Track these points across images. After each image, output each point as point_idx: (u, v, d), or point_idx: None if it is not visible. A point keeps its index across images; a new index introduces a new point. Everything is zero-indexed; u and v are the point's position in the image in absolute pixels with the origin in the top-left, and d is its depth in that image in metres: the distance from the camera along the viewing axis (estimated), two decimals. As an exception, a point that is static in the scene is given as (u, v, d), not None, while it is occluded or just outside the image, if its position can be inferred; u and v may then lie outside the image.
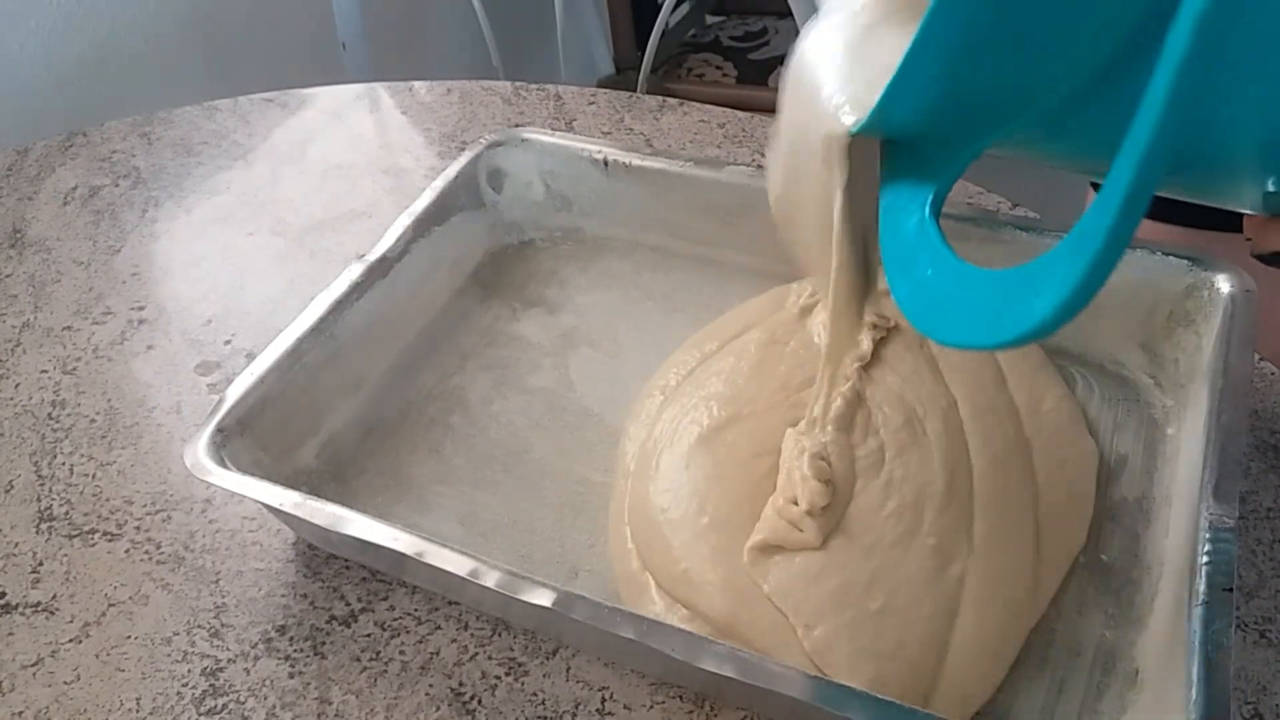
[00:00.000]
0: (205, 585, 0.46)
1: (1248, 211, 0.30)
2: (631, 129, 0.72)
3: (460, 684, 0.41)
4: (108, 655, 0.43)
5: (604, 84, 1.45)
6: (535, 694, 0.41)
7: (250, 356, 0.56)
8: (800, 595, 0.40)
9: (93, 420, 0.54)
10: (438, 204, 0.56)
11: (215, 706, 0.41)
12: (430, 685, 0.41)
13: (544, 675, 0.41)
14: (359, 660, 0.42)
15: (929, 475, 0.43)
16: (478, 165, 0.59)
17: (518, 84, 0.79)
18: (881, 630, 0.39)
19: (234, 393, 0.45)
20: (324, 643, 0.43)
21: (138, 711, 0.41)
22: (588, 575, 0.44)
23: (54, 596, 0.46)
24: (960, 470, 0.43)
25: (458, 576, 0.38)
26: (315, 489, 0.46)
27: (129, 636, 0.44)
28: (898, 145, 0.30)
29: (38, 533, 0.48)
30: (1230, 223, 0.33)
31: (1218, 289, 0.46)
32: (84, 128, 0.78)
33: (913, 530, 0.41)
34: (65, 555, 0.47)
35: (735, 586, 0.41)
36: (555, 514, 0.47)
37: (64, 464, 0.52)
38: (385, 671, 0.42)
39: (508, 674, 0.42)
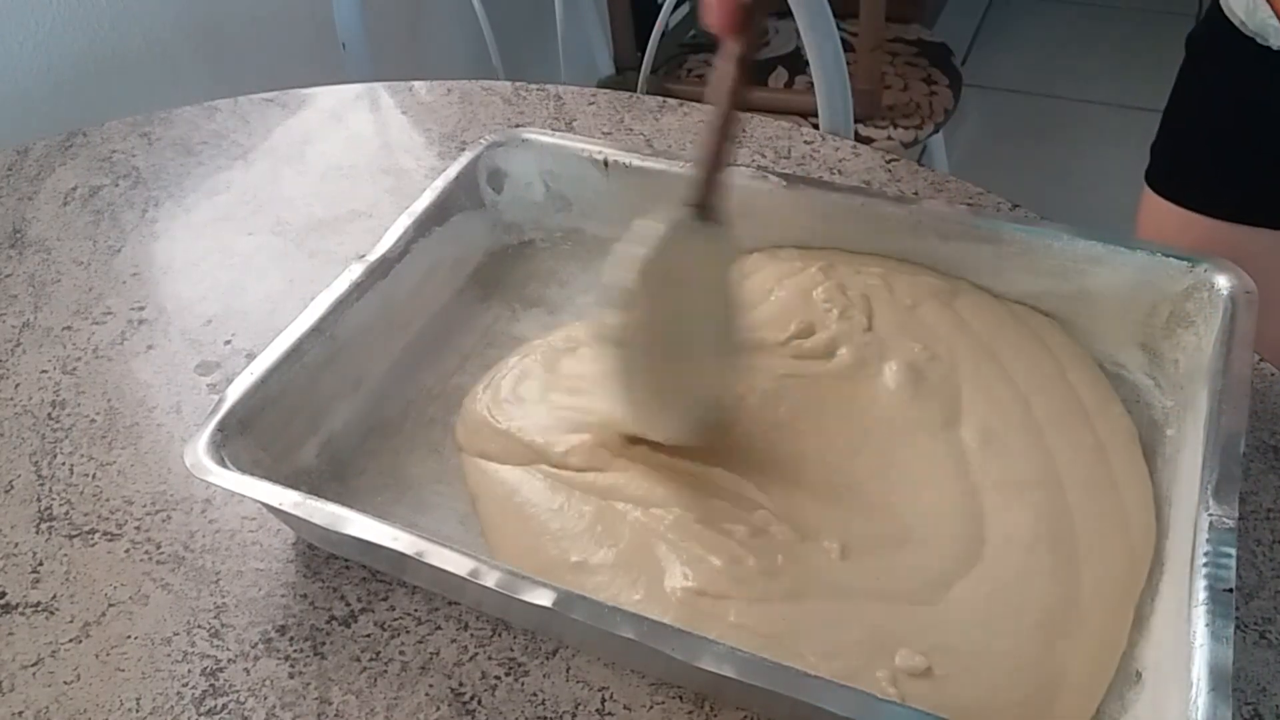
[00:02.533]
0: (205, 585, 0.46)
1: None
2: (631, 129, 0.72)
3: (460, 684, 0.41)
4: (108, 655, 0.43)
5: (604, 84, 1.45)
6: (535, 694, 0.41)
7: (250, 356, 0.56)
8: (798, 631, 0.39)
9: (93, 420, 0.54)
10: (438, 204, 0.56)
11: (215, 706, 0.41)
12: (430, 685, 0.41)
13: (544, 675, 0.41)
14: (359, 660, 0.42)
15: (1029, 536, 0.41)
16: (478, 165, 0.59)
17: (518, 84, 0.79)
18: (945, 697, 0.37)
19: (234, 393, 0.45)
20: (324, 643, 0.43)
21: (138, 711, 0.41)
22: (588, 575, 0.44)
23: (54, 596, 0.46)
24: (1061, 517, 0.42)
25: (458, 576, 0.38)
26: (315, 489, 0.46)
27: (129, 636, 0.44)
28: None
29: (38, 533, 0.48)
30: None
31: (1218, 290, 0.46)
32: (84, 128, 0.78)
33: (1017, 608, 0.39)
34: (65, 555, 0.47)
35: (678, 608, 0.40)
36: (555, 514, 0.46)
37: (64, 464, 0.52)
38: (385, 671, 0.42)
39: (508, 674, 0.42)
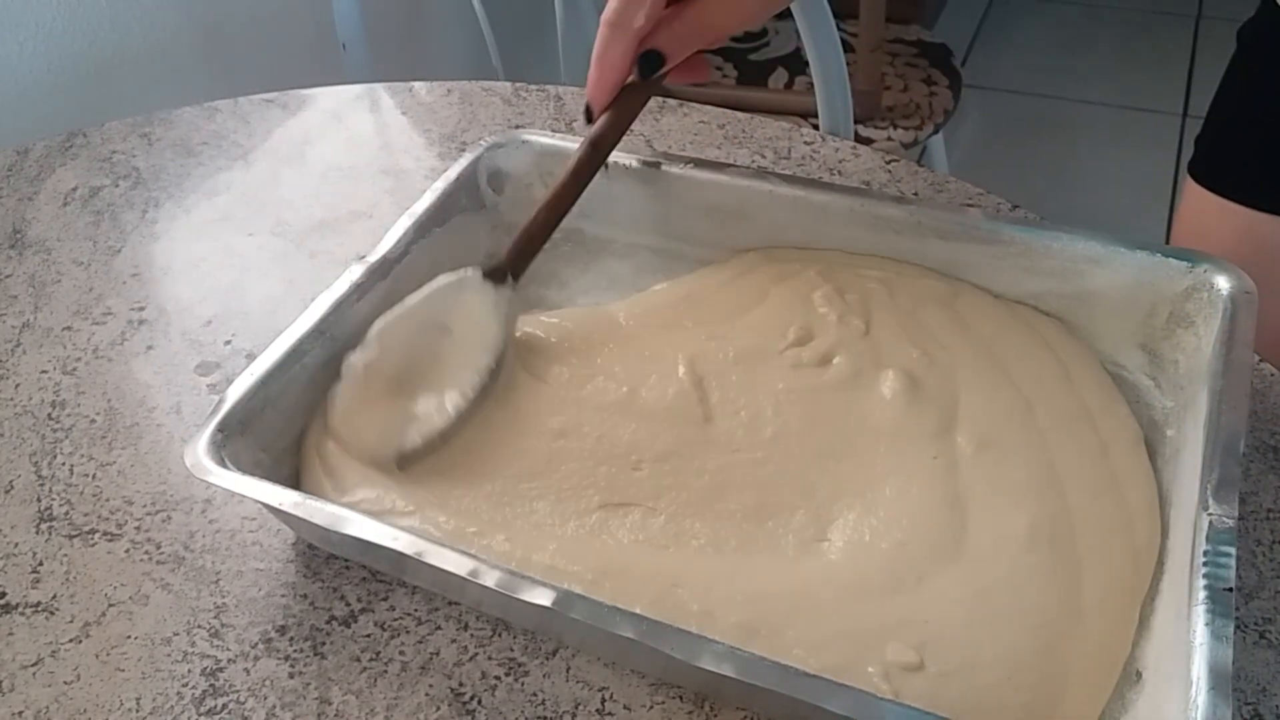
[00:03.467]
0: (205, 585, 0.46)
1: None
2: (632, 129, 0.72)
3: (460, 684, 0.41)
4: (108, 655, 0.43)
5: (604, 85, 1.44)
6: (535, 694, 0.41)
7: (250, 357, 0.56)
8: (776, 623, 0.39)
9: (93, 420, 0.54)
10: (438, 205, 0.56)
11: (215, 706, 0.41)
12: (430, 685, 0.41)
13: (544, 675, 0.41)
14: (359, 660, 0.42)
15: (1016, 526, 0.41)
16: (478, 166, 0.59)
17: (518, 85, 0.79)
18: (944, 695, 0.36)
19: (234, 393, 0.45)
20: (324, 643, 0.43)
21: (138, 711, 0.41)
22: (588, 575, 0.44)
23: (54, 596, 0.46)
24: (1061, 520, 0.42)
25: (457, 576, 0.38)
26: (315, 489, 0.46)
27: (129, 636, 0.44)
28: None
29: (38, 533, 0.48)
30: None
31: (1217, 290, 0.46)
32: (84, 128, 0.78)
33: (1012, 607, 0.39)
34: (65, 555, 0.47)
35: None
36: (555, 514, 0.46)
37: (64, 464, 0.52)
38: (385, 672, 0.42)
39: (508, 674, 0.42)
